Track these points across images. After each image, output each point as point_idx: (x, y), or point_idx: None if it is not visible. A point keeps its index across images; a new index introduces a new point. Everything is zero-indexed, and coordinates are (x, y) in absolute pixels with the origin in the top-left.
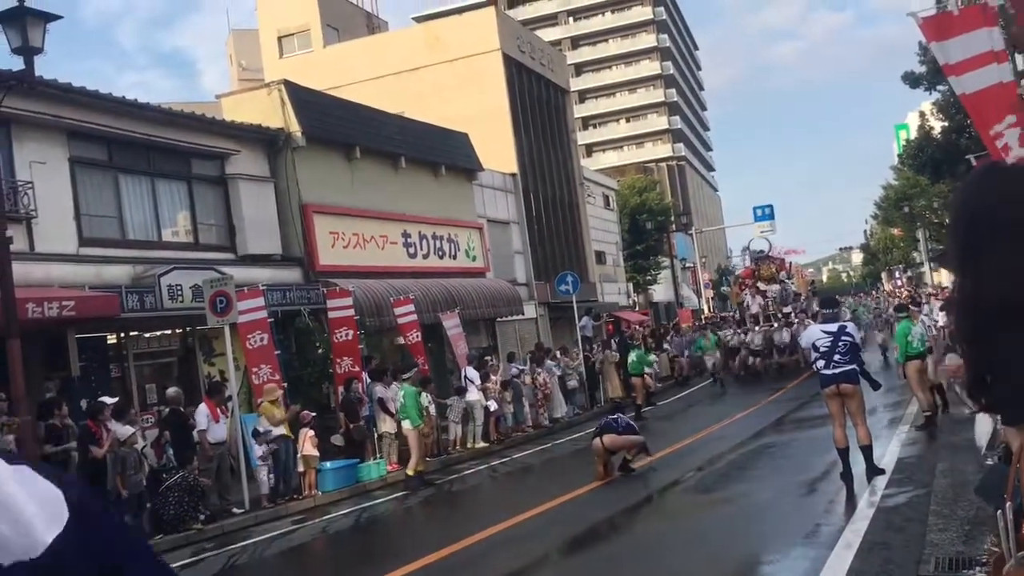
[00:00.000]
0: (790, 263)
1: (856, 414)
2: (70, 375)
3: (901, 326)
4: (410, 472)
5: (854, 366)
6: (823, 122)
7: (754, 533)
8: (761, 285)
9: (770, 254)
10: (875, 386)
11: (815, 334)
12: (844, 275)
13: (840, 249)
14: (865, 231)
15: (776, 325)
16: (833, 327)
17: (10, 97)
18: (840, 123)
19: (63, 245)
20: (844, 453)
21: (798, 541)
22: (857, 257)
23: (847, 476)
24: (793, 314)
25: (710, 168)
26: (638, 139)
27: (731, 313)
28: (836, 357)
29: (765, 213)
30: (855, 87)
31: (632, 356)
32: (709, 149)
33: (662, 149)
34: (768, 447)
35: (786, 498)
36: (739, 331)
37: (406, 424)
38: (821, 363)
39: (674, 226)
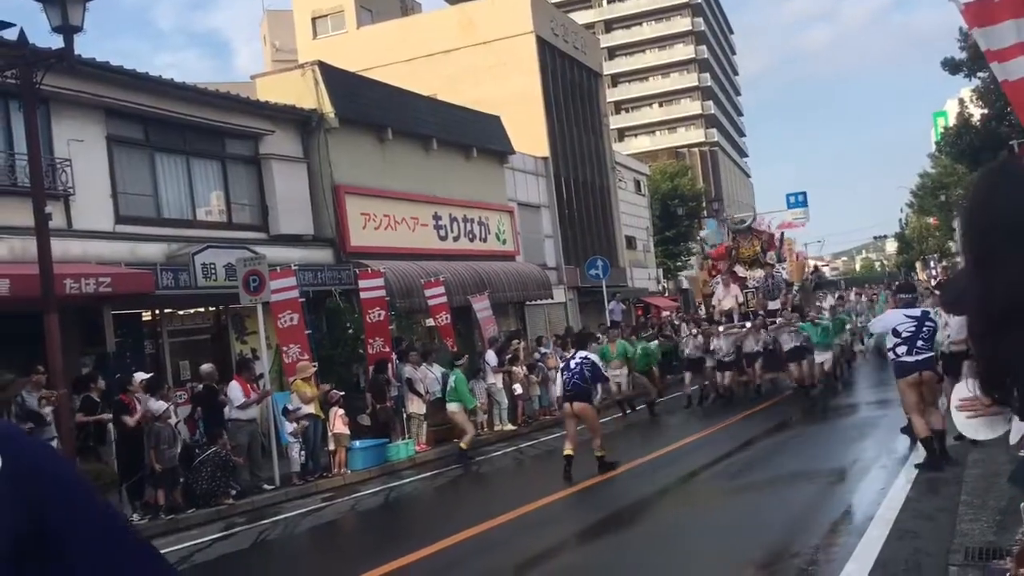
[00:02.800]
0: (781, 237)
1: (931, 401)
2: (106, 350)
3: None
4: (464, 446)
5: (934, 353)
6: (858, 109)
7: (782, 520)
8: (740, 270)
9: (754, 225)
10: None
11: (896, 318)
12: (878, 264)
13: (875, 238)
14: (900, 220)
15: (749, 326)
16: (916, 312)
17: (49, 75)
18: (876, 110)
19: (100, 222)
20: (930, 441)
21: (827, 528)
22: (891, 246)
23: (937, 462)
24: (780, 313)
25: (743, 154)
26: (671, 124)
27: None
28: (919, 343)
29: (798, 200)
30: (891, 74)
31: (637, 349)
32: (742, 135)
33: (695, 134)
34: (795, 437)
35: (813, 486)
36: (696, 333)
37: (453, 406)
38: (903, 349)
39: (705, 212)
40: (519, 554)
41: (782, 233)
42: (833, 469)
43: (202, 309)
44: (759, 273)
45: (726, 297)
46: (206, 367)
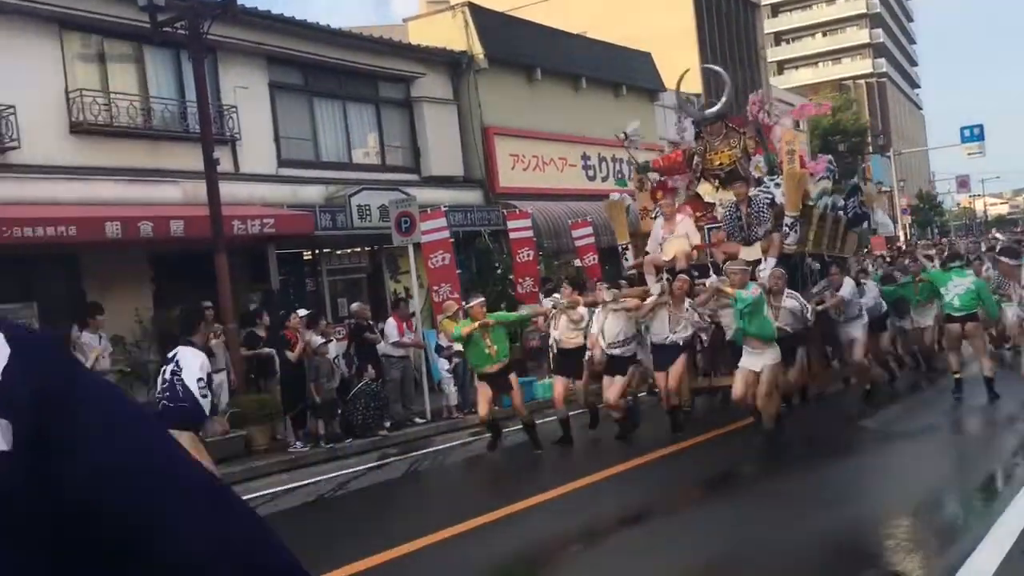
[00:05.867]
0: (778, 123)
1: None
2: (270, 288)
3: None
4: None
5: None
6: None
7: (938, 473)
8: (705, 191)
9: (734, 115)
10: None
11: None
12: None
13: None
14: None
15: (715, 283)
16: None
17: (215, 25)
18: None
19: (264, 166)
20: None
21: (981, 482)
22: None
23: None
24: (762, 261)
25: (914, 85)
26: (835, 55)
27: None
28: None
29: (973, 134)
30: None
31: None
32: (914, 64)
33: (861, 65)
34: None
35: (971, 439)
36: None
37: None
38: None
39: (870, 148)
40: (658, 490)
41: (796, 123)
42: (994, 420)
43: (358, 249)
44: (734, 192)
45: (671, 238)
46: (355, 305)
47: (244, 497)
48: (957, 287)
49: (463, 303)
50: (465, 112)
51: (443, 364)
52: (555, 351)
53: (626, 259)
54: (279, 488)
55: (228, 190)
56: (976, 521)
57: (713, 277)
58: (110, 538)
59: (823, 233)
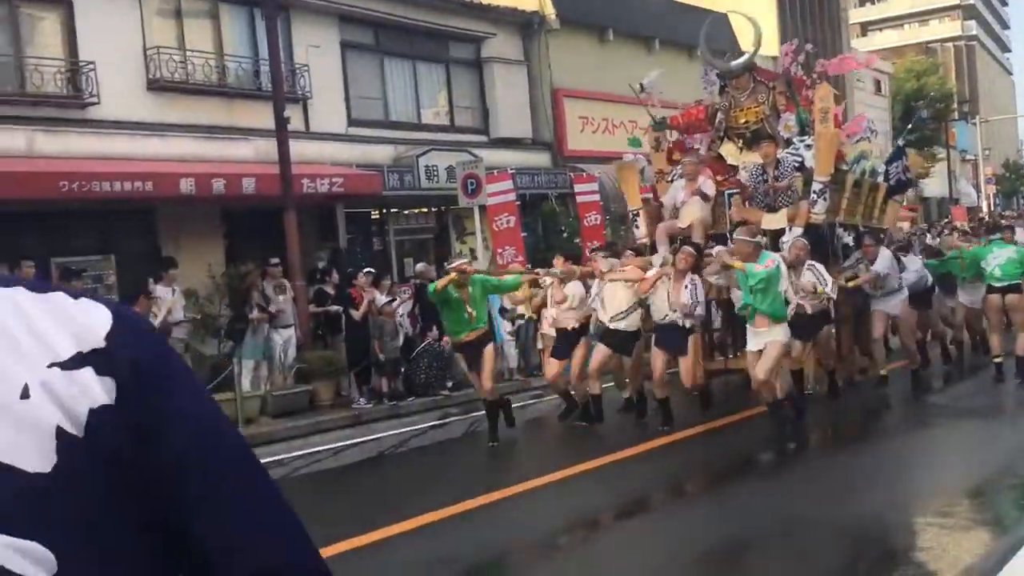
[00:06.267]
0: (817, 78)
1: None
2: (338, 246)
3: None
4: None
5: None
6: None
7: (1005, 446)
8: (728, 152)
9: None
10: None
11: None
12: None
13: None
14: None
15: (723, 253)
16: None
17: None
18: None
19: (334, 125)
20: None
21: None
22: None
23: None
24: (787, 231)
25: (1005, 49)
26: (922, 16)
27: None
28: None
29: None
30: None
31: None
32: (1006, 27)
33: (949, 27)
34: None
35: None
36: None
37: None
38: None
39: (955, 114)
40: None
41: (826, 78)
42: None
43: (425, 209)
44: (758, 155)
45: (690, 202)
46: (420, 266)
47: (308, 451)
48: (997, 258)
49: (527, 267)
50: (535, 73)
51: (505, 326)
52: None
53: (636, 226)
54: (342, 443)
55: (298, 149)
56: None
57: (718, 247)
58: (180, 496)
59: (858, 201)
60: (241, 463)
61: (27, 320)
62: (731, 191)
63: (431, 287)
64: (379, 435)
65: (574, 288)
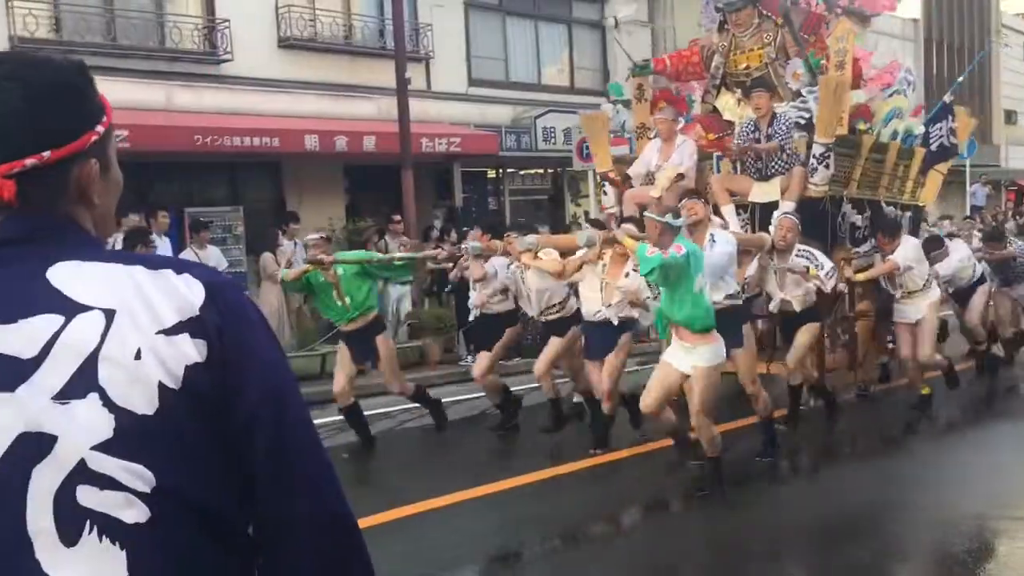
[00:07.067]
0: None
1: None
2: (454, 204)
3: None
4: None
5: None
6: None
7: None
8: (725, 105)
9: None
10: None
11: None
12: None
13: None
14: None
15: (627, 230)
16: None
17: None
18: None
19: (454, 85)
20: None
21: None
22: None
23: None
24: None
25: None
26: None
27: None
28: None
29: None
30: None
31: None
32: None
33: None
34: None
35: None
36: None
37: None
38: None
39: None
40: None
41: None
42: None
43: (541, 170)
44: (761, 108)
45: (666, 167)
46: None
47: (415, 406)
48: None
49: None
50: (659, 35)
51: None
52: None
53: (605, 194)
54: (448, 399)
55: (419, 107)
56: None
57: (625, 225)
58: (250, 441)
59: (880, 170)
60: (297, 420)
61: (143, 296)
62: (719, 154)
63: (281, 275)
64: (483, 394)
65: (495, 266)
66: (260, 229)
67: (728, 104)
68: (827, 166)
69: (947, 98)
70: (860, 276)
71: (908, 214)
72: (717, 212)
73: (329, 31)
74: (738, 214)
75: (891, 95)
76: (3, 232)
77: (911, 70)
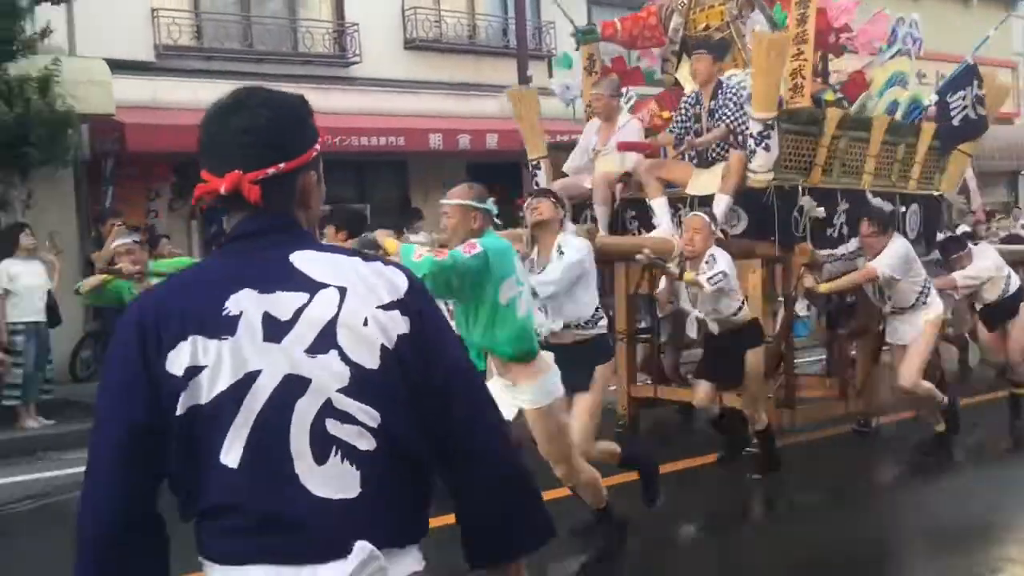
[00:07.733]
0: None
1: None
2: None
3: None
4: None
5: None
6: None
7: None
8: (686, 76)
9: None
10: None
11: None
12: None
13: None
14: None
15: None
16: None
17: None
18: None
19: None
20: None
21: None
22: None
23: None
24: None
25: None
26: None
27: None
28: None
29: None
30: None
31: None
32: None
33: None
34: None
35: None
36: None
37: None
38: None
39: None
40: None
41: None
42: None
43: None
44: (695, 71)
45: (604, 151)
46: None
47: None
48: None
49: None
50: None
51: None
52: None
53: (536, 184)
54: None
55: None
56: None
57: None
58: (441, 408)
59: (863, 152)
60: (479, 390)
61: (363, 279)
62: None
63: (78, 286)
64: None
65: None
66: (386, 226)
67: (692, 78)
68: (767, 148)
69: (969, 58)
70: (825, 287)
71: (914, 207)
72: (641, 206)
73: (454, 31)
74: (675, 209)
75: (890, 56)
76: (248, 227)
77: (917, 22)
